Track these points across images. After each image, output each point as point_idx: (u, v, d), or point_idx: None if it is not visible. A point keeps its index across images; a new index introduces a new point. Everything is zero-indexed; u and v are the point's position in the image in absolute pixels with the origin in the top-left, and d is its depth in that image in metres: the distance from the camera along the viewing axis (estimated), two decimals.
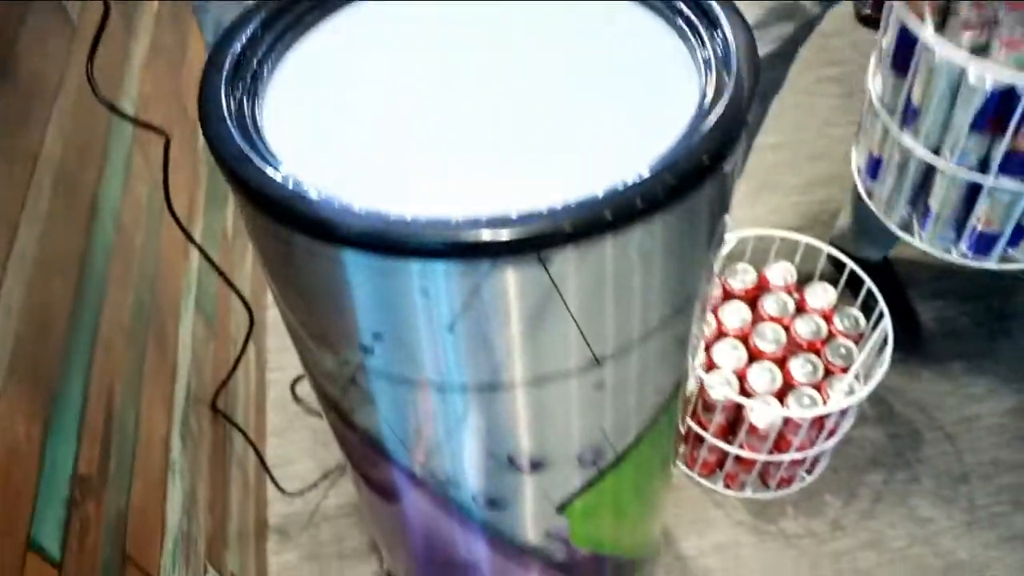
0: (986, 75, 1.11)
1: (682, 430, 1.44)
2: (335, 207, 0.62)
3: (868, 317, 1.57)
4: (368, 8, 0.87)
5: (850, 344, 1.55)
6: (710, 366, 1.54)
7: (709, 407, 1.51)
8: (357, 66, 0.82)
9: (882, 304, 1.51)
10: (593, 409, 0.81)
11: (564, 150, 0.72)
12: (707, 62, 0.74)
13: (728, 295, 1.61)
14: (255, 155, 0.69)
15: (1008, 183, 1.21)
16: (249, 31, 0.80)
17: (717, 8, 0.74)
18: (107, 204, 1.12)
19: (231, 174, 0.68)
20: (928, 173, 1.31)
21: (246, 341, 1.41)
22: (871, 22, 2.65)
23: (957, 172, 1.25)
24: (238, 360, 1.48)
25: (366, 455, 0.96)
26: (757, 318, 1.59)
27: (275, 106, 0.78)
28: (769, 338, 1.54)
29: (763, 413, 1.46)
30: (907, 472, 1.70)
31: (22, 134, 0.95)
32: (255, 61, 0.80)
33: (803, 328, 1.55)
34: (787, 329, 1.55)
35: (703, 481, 1.68)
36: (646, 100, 0.76)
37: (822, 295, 1.59)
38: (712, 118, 0.67)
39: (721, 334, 1.56)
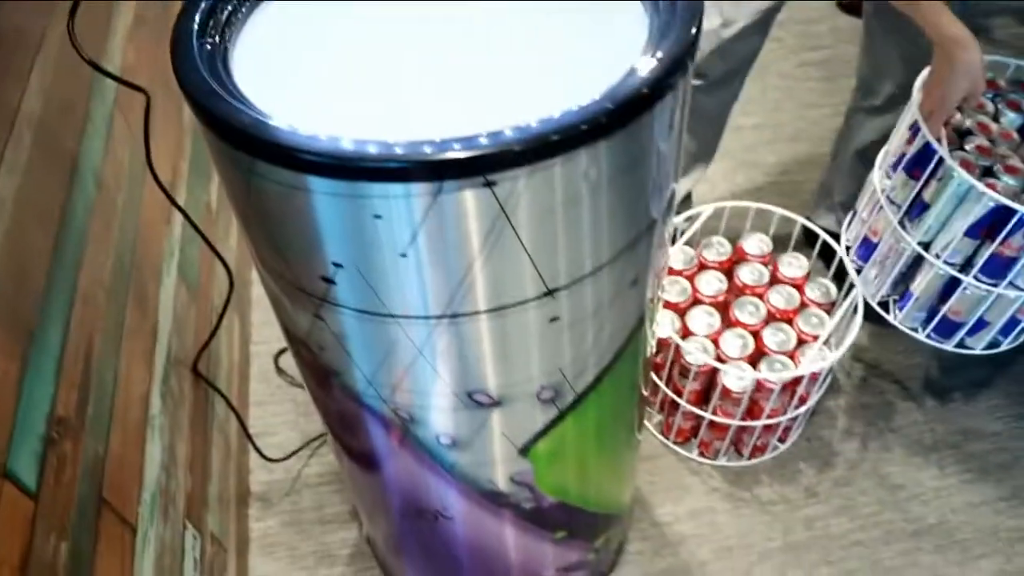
0: (989, 196, 1.28)
1: (646, 392, 1.47)
2: (289, 132, 0.65)
3: (840, 287, 1.60)
4: None
5: (822, 314, 1.58)
6: (685, 333, 1.57)
7: (684, 372, 1.54)
8: (327, 13, 0.85)
9: (853, 274, 1.54)
10: (550, 344, 0.84)
11: (519, 84, 0.76)
12: (655, 6, 0.77)
13: (704, 266, 1.64)
14: (222, 90, 0.72)
15: (983, 283, 1.38)
16: None
17: None
18: (88, 162, 1.15)
19: (198, 106, 0.71)
20: (915, 263, 1.47)
21: (226, 303, 1.44)
22: (852, 9, 2.69)
23: (943, 268, 1.41)
24: (219, 321, 1.51)
25: (336, 399, 0.99)
26: (733, 288, 1.62)
27: (246, 50, 0.81)
28: (748, 310, 1.57)
29: (736, 375, 1.49)
30: (879, 441, 1.73)
31: (3, 88, 0.98)
32: (228, 7, 0.82)
33: (776, 298, 1.58)
34: (760, 298, 1.59)
35: (679, 449, 1.71)
36: (597, 37, 0.79)
37: (795, 265, 1.62)
38: (656, 53, 0.70)
39: (696, 301, 1.59)
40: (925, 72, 1.38)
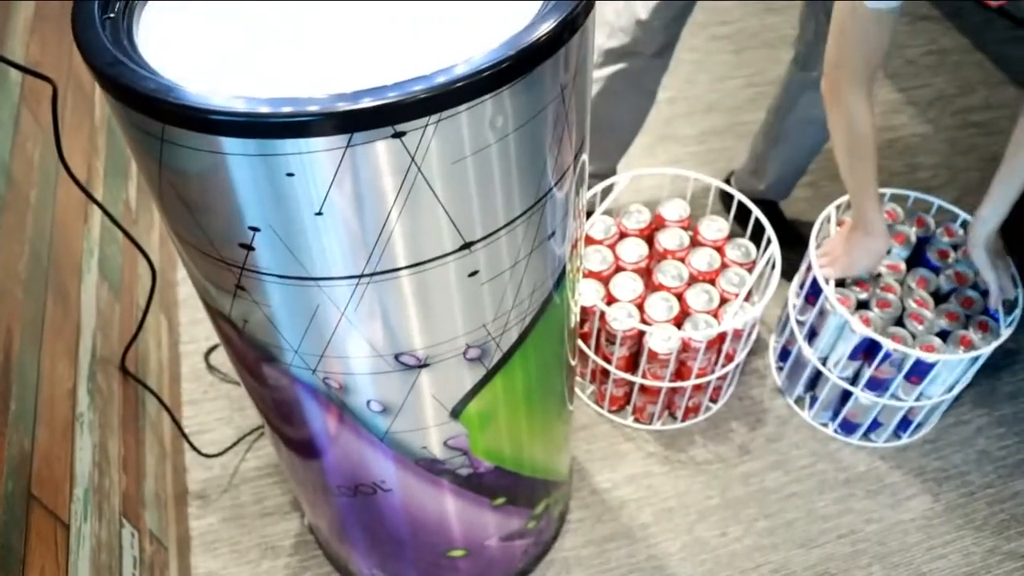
0: (858, 329, 1.52)
1: (574, 361, 1.48)
2: (196, 94, 0.66)
3: (759, 247, 1.64)
4: None
5: (743, 272, 1.62)
6: (610, 300, 1.59)
7: (611, 338, 1.57)
8: None
9: (770, 231, 1.59)
10: (471, 300, 0.85)
11: (426, 36, 0.77)
12: None
13: (624, 234, 1.67)
14: (127, 60, 0.72)
15: (869, 395, 1.62)
16: None
17: None
18: None
19: (103, 77, 0.70)
20: (819, 373, 1.69)
21: (150, 297, 1.43)
22: None
23: (837, 381, 1.64)
24: (144, 316, 1.49)
25: (266, 376, 0.99)
26: (655, 253, 1.65)
27: (151, 20, 0.80)
28: (671, 274, 1.60)
29: (662, 337, 1.52)
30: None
31: None
32: None
33: (698, 260, 1.62)
34: (682, 262, 1.62)
35: (613, 417, 1.74)
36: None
37: (715, 228, 1.66)
38: (555, 5, 0.72)
39: (619, 268, 1.62)
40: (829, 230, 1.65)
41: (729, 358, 1.60)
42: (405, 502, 1.16)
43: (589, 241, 1.66)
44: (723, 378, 1.67)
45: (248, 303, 0.85)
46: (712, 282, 1.61)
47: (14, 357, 1.05)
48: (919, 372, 1.53)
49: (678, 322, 1.56)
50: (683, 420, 1.72)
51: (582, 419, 1.74)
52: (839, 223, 1.66)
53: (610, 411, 1.74)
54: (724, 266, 1.62)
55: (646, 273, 1.63)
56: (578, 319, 1.16)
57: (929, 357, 1.49)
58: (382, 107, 0.64)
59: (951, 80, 2.53)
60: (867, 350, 1.56)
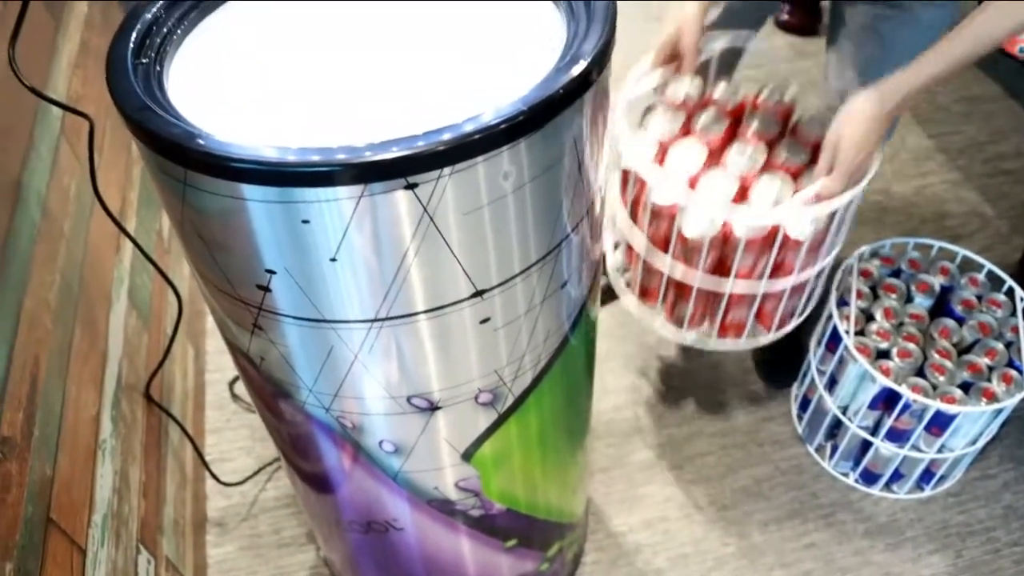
0: (879, 379, 1.51)
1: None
2: (217, 141, 0.68)
3: None
4: None
5: None
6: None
7: (654, 213, 1.39)
8: (255, 34, 0.88)
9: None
10: (484, 345, 0.86)
11: (442, 86, 0.79)
12: (573, 12, 0.81)
13: (708, 104, 1.48)
14: (155, 105, 0.74)
15: (889, 446, 1.61)
16: (159, 3, 0.86)
17: None
18: (32, 188, 1.16)
19: (130, 120, 0.73)
20: (839, 422, 1.67)
21: (176, 327, 1.45)
22: (789, 28, 2.76)
23: (857, 431, 1.63)
24: (170, 344, 1.52)
25: (282, 412, 1.00)
26: (737, 132, 1.45)
27: (182, 69, 0.83)
28: (745, 153, 1.39)
29: (696, 214, 1.32)
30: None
31: None
32: (163, 29, 0.85)
33: (785, 152, 1.40)
34: (767, 145, 1.42)
35: (644, 313, 1.57)
36: (518, 40, 0.83)
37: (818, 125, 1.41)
38: (572, 56, 0.74)
39: (686, 133, 1.43)
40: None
41: (782, 270, 1.37)
42: (417, 541, 1.17)
43: (670, 103, 1.46)
44: (773, 299, 1.44)
45: (265, 341, 0.87)
46: (795, 176, 1.36)
47: (40, 384, 1.07)
48: (940, 424, 1.52)
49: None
50: (720, 335, 1.53)
51: (601, 462, 1.74)
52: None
53: (641, 302, 1.56)
54: (813, 164, 1.35)
55: (717, 152, 1.40)
56: (594, 361, 1.16)
57: (950, 409, 1.47)
58: (395, 160, 0.66)
59: (982, 127, 2.52)
60: (887, 400, 1.55)
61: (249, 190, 0.69)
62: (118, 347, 1.37)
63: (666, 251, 1.42)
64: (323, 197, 0.68)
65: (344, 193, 0.67)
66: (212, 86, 0.82)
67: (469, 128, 0.67)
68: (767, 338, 1.56)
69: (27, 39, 1.12)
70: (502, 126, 0.68)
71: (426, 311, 0.79)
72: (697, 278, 1.42)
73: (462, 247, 0.75)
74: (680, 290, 1.49)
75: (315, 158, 0.65)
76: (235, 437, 1.78)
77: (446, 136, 0.67)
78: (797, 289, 1.48)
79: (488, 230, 0.75)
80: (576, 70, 0.73)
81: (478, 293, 0.80)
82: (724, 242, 1.37)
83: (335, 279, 0.75)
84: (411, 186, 0.68)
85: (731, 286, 1.42)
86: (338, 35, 0.88)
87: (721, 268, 1.41)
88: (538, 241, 0.81)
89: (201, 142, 0.69)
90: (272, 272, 0.76)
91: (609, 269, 1.62)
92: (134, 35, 0.83)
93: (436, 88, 0.80)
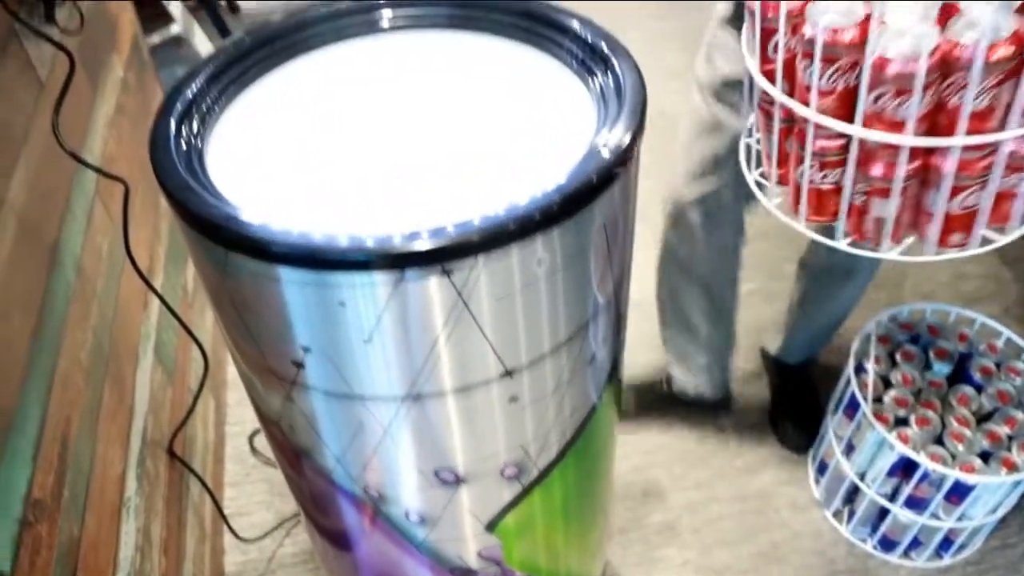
0: (897, 446, 1.51)
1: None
2: (259, 226, 0.70)
3: None
4: (304, 64, 0.97)
5: None
6: None
7: (811, 54, 0.91)
8: (294, 112, 0.91)
9: None
10: (511, 422, 0.88)
11: (474, 170, 0.81)
12: (602, 99, 0.83)
13: None
14: (197, 185, 0.77)
15: (908, 514, 1.60)
16: (199, 81, 0.89)
17: (605, 48, 0.84)
18: (68, 249, 1.19)
19: (174, 201, 0.75)
20: (857, 488, 1.66)
21: (202, 383, 1.47)
22: None
23: (875, 497, 1.62)
24: (195, 402, 1.54)
25: (309, 484, 1.02)
26: None
27: (221, 146, 0.86)
28: None
29: (901, 32, 0.86)
30: None
31: None
32: (203, 107, 0.88)
33: None
34: None
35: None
36: (549, 130, 0.85)
37: None
38: (604, 146, 0.76)
39: None
40: None
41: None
42: None
43: None
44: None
45: (295, 412, 0.88)
46: None
47: (71, 444, 1.09)
48: (959, 493, 1.51)
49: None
50: (941, 244, 1.01)
51: (619, 523, 1.74)
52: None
53: (812, 220, 1.06)
54: None
55: None
56: (616, 430, 1.16)
57: (969, 479, 1.47)
58: (433, 249, 0.68)
59: None
60: (905, 468, 1.55)
61: (288, 272, 0.71)
62: (144, 403, 1.39)
63: (849, 119, 0.92)
64: (360, 282, 0.70)
65: (381, 278, 0.69)
66: (249, 160, 0.85)
67: (504, 217, 0.69)
68: (1006, 237, 1.00)
69: (67, 103, 1.16)
70: (536, 215, 0.70)
71: (456, 390, 0.81)
72: (908, 140, 0.90)
73: (493, 328, 0.77)
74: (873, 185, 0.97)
75: (353, 245, 0.67)
76: (254, 491, 1.79)
77: (482, 225, 0.69)
78: None
79: (519, 312, 0.77)
80: (609, 156, 0.75)
81: (507, 373, 0.81)
82: (944, 70, 0.87)
83: (368, 358, 0.77)
84: (446, 272, 0.70)
85: (960, 141, 0.90)
86: (369, 110, 0.90)
87: (935, 129, 0.92)
88: (568, 320, 0.83)
89: (242, 225, 0.71)
90: (307, 349, 0.78)
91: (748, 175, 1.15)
92: (176, 113, 0.86)
93: (469, 166, 0.82)
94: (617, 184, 0.77)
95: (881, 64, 0.88)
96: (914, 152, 0.93)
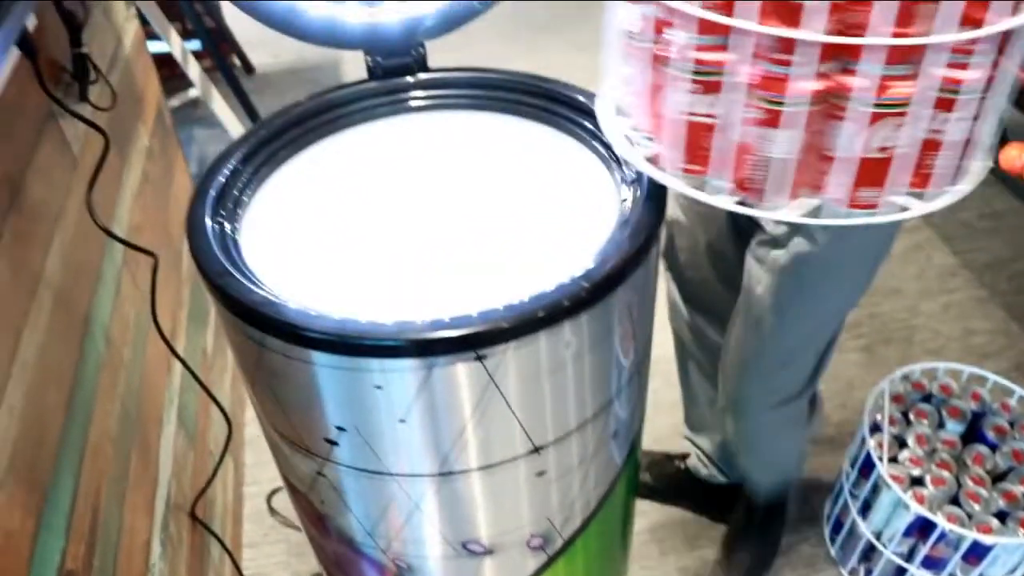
0: (912, 506, 1.51)
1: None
2: (298, 311, 0.73)
3: None
4: (331, 145, 1.00)
5: None
6: None
7: None
8: (323, 193, 0.94)
9: None
10: (538, 495, 0.90)
11: (503, 255, 0.84)
12: (625, 181, 0.86)
13: None
14: (234, 269, 0.80)
15: (925, 574, 1.60)
16: (231, 165, 0.92)
17: None
18: (98, 320, 1.22)
19: (213, 287, 0.78)
20: (873, 547, 1.67)
21: (224, 448, 1.49)
22: None
23: (891, 557, 1.63)
24: (217, 467, 1.55)
25: (335, 548, 1.03)
26: None
27: (253, 228, 0.89)
28: None
29: None
30: None
31: (27, 255, 1.05)
32: (235, 190, 0.91)
33: None
34: None
35: None
36: (573, 215, 0.88)
37: None
38: (629, 229, 0.79)
39: None
40: None
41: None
42: None
43: None
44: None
45: (326, 486, 0.90)
46: None
47: (100, 514, 1.11)
48: (977, 554, 1.52)
49: None
50: (849, 203, 0.79)
51: None
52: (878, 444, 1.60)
53: (687, 171, 0.80)
54: None
55: None
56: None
57: (986, 539, 1.48)
58: (468, 336, 0.70)
59: (1007, 243, 2.56)
60: (922, 528, 1.55)
61: (326, 357, 0.73)
62: (168, 468, 1.41)
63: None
64: (397, 367, 0.72)
65: (417, 363, 0.72)
66: (281, 241, 0.88)
67: (534, 304, 0.72)
68: (922, 207, 0.80)
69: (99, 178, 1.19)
70: (565, 302, 0.73)
71: (486, 466, 0.83)
72: (814, 36, 0.70)
73: (522, 407, 0.79)
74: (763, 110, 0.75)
75: (392, 333, 0.70)
76: (273, 552, 1.80)
77: (513, 313, 0.71)
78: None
79: (547, 392, 0.80)
80: (635, 241, 0.77)
81: (535, 449, 0.83)
82: None
83: (402, 437, 0.79)
84: (480, 358, 0.72)
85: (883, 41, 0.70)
86: (397, 190, 0.94)
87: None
88: (594, 396, 0.85)
89: (282, 312, 0.74)
90: (341, 429, 0.80)
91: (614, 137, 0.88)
92: (210, 198, 0.89)
93: (496, 248, 0.85)
94: (642, 267, 0.80)
95: None
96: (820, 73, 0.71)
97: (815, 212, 0.80)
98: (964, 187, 0.82)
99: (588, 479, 0.94)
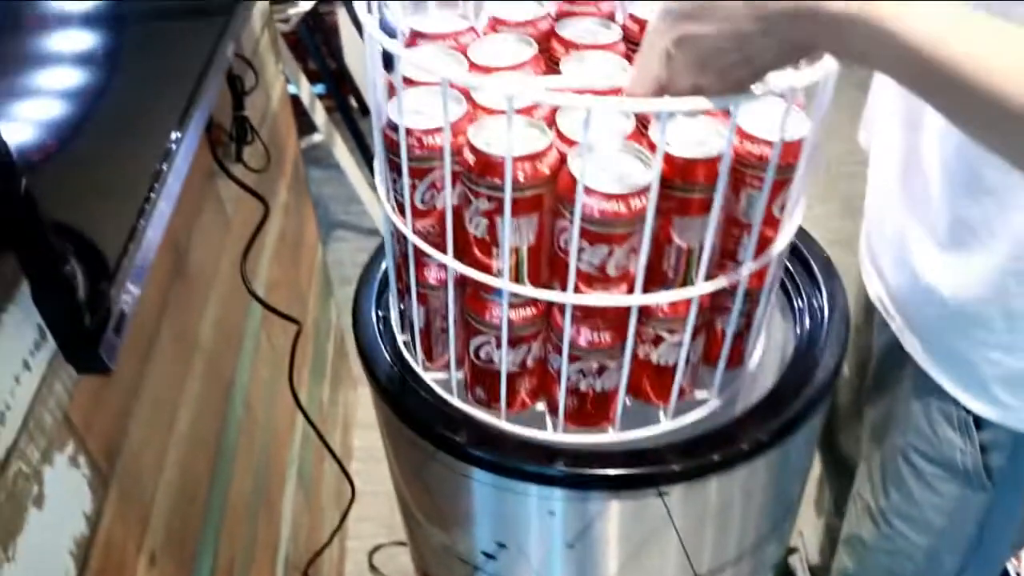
0: None
1: None
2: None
3: None
4: None
5: None
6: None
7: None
8: None
9: None
10: None
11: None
12: (801, 312, 0.84)
13: None
14: (404, 372, 0.79)
15: None
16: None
17: (816, 269, 0.85)
18: (240, 383, 1.24)
19: (386, 395, 0.78)
20: None
21: (344, 514, 1.50)
22: None
23: None
24: (335, 532, 1.56)
25: None
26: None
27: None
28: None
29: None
30: None
31: (187, 321, 1.07)
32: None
33: None
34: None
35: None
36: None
37: None
38: (812, 374, 0.76)
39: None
40: None
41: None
42: None
43: None
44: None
45: None
46: None
47: None
48: None
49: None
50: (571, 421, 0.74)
51: None
52: None
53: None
54: None
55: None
56: None
57: None
58: (654, 475, 0.69)
59: None
60: None
61: (502, 481, 0.73)
62: (287, 529, 1.42)
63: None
64: (576, 497, 0.71)
65: (598, 496, 0.71)
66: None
67: (714, 446, 0.70)
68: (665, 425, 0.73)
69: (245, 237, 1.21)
70: (743, 445, 0.71)
71: None
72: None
73: (690, 539, 0.77)
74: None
75: (582, 471, 0.69)
76: None
77: (696, 456, 0.70)
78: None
79: (715, 524, 0.78)
80: (818, 387, 0.75)
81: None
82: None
83: (567, 559, 0.78)
84: (661, 495, 0.71)
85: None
86: None
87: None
88: (757, 530, 0.83)
89: (472, 435, 0.72)
90: (502, 545, 0.79)
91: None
92: (373, 294, 0.89)
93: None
94: (820, 408, 0.78)
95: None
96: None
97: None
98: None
99: None
